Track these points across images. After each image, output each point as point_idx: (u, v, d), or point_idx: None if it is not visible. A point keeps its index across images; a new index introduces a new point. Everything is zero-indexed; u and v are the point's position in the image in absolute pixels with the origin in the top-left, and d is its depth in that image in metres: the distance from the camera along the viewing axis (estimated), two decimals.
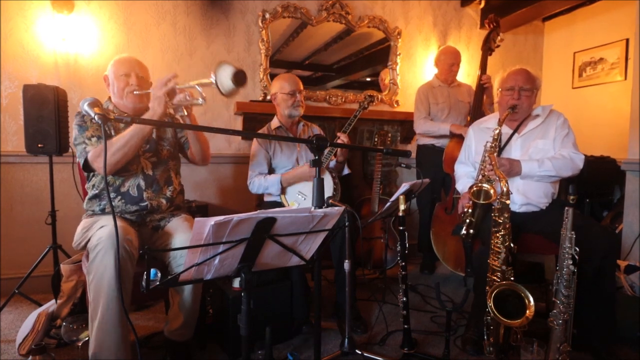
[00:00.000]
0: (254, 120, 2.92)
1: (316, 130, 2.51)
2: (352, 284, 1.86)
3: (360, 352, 1.79)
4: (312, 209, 1.10)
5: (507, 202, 1.61)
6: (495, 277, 1.64)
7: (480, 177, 1.97)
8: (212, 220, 0.93)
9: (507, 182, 1.63)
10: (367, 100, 2.46)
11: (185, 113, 1.66)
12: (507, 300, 1.53)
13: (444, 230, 2.79)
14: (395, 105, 3.49)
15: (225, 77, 1.29)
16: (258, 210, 1.08)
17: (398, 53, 3.44)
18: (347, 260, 1.80)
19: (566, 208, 1.49)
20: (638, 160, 2.45)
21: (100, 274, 1.42)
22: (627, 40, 3.31)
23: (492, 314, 1.54)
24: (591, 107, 3.59)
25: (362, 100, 2.47)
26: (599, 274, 1.72)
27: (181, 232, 1.70)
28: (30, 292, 2.31)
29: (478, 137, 2.17)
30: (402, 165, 2.20)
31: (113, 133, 1.72)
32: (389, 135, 3.18)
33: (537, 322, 1.59)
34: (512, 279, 1.61)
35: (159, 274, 1.48)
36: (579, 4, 3.43)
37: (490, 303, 1.54)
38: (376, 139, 2.94)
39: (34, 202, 2.59)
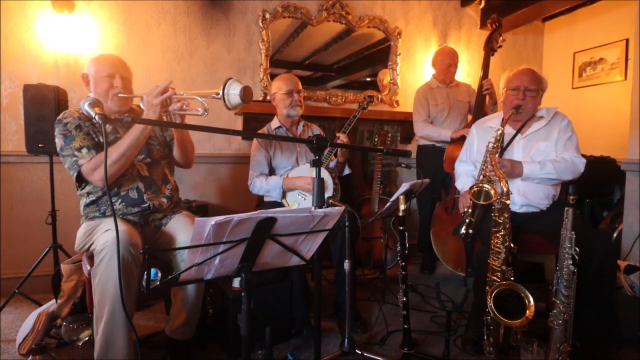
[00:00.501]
0: (254, 120, 2.93)
1: (316, 130, 2.51)
2: (352, 284, 1.86)
3: (360, 352, 1.79)
4: (312, 209, 1.10)
5: (507, 202, 1.61)
6: (495, 277, 1.64)
7: (481, 177, 1.97)
8: (213, 220, 0.93)
9: (507, 182, 1.62)
10: (367, 100, 2.46)
11: (179, 121, 1.64)
12: (507, 300, 1.53)
13: (444, 230, 2.79)
14: (396, 105, 3.49)
15: (233, 93, 1.31)
16: (258, 210, 1.08)
17: (398, 53, 3.45)
18: (347, 260, 1.80)
19: (566, 208, 1.49)
20: (638, 160, 2.45)
21: (106, 278, 1.43)
22: (627, 40, 3.31)
23: (492, 314, 1.54)
24: (591, 107, 3.59)
25: (361, 101, 2.47)
26: (599, 274, 1.71)
27: (185, 230, 1.70)
28: (31, 291, 2.31)
29: (481, 135, 2.17)
30: (402, 165, 2.20)
31: (101, 139, 1.66)
32: (389, 135, 3.18)
33: (537, 322, 1.58)
34: (512, 279, 1.61)
35: (159, 274, 1.49)
36: (579, 4, 3.43)
37: (490, 303, 1.54)
38: (376, 139, 2.94)
39: (34, 202, 2.59)
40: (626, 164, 2.53)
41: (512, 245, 1.62)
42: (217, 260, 1.04)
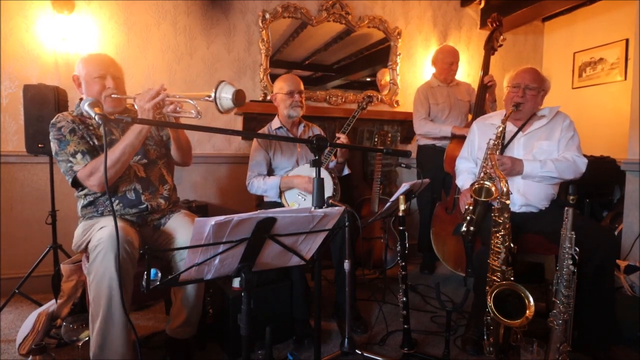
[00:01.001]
0: (254, 121, 2.93)
1: (317, 130, 2.51)
2: (352, 284, 1.86)
3: (360, 352, 1.79)
4: (312, 209, 1.10)
5: (507, 202, 1.61)
6: (495, 277, 1.64)
7: (482, 174, 1.97)
8: (213, 220, 0.93)
9: (507, 182, 1.62)
10: (366, 100, 2.46)
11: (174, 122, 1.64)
12: (507, 300, 1.53)
13: (444, 230, 2.79)
14: (395, 106, 3.49)
15: (225, 97, 1.29)
16: (258, 210, 1.08)
17: (398, 53, 3.45)
18: (347, 260, 1.80)
19: (566, 208, 1.49)
20: (638, 160, 2.45)
21: (100, 275, 1.42)
22: (627, 40, 3.31)
23: (492, 314, 1.54)
24: (591, 107, 3.59)
25: (360, 101, 2.47)
26: (599, 274, 1.72)
27: (184, 229, 1.70)
28: (31, 292, 2.31)
29: (482, 132, 2.17)
30: (402, 165, 2.20)
31: (96, 142, 1.65)
32: (389, 135, 3.18)
33: (537, 322, 1.59)
34: (512, 279, 1.61)
35: (159, 274, 1.49)
36: (579, 4, 3.43)
37: (490, 303, 1.54)
38: (376, 139, 2.94)
39: (34, 202, 2.59)
40: (626, 164, 2.53)
41: (512, 245, 1.62)
42: (217, 260, 1.04)
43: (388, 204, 2.01)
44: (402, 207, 1.81)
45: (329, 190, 2.17)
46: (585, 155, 1.99)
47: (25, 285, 2.24)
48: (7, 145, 2.54)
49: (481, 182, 1.78)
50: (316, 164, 1.36)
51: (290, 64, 3.21)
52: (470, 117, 3.04)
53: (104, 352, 1.43)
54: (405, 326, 1.84)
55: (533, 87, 1.96)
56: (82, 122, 1.65)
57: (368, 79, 3.48)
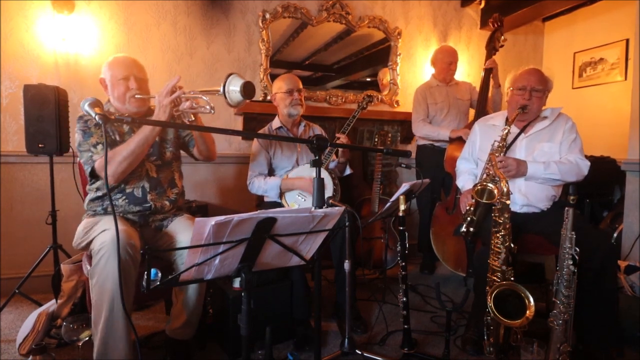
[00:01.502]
0: (254, 121, 2.93)
1: (317, 130, 2.51)
2: (352, 284, 1.86)
3: (360, 352, 1.79)
4: (313, 209, 1.10)
5: (507, 202, 1.61)
6: (495, 277, 1.63)
7: (484, 175, 1.97)
8: (213, 221, 0.93)
9: (507, 182, 1.62)
10: (366, 100, 2.46)
11: (193, 118, 1.67)
12: (507, 301, 1.52)
13: (444, 230, 2.79)
14: (396, 106, 3.49)
15: (234, 89, 1.29)
16: (258, 211, 1.08)
17: (398, 53, 3.45)
18: (347, 260, 1.80)
19: (566, 208, 1.49)
20: (638, 160, 2.45)
21: (103, 278, 1.43)
22: (627, 40, 3.31)
23: (492, 314, 1.54)
24: (591, 108, 3.59)
25: (360, 101, 2.47)
26: (600, 274, 1.71)
27: (186, 231, 1.71)
28: (31, 292, 2.31)
29: (483, 133, 2.17)
30: (402, 165, 2.20)
31: (117, 137, 1.72)
32: (389, 135, 3.18)
33: (537, 322, 1.58)
34: (512, 279, 1.61)
35: (159, 274, 1.49)
36: (579, 4, 3.43)
37: (491, 303, 1.54)
38: (376, 139, 2.94)
39: (35, 202, 2.59)
40: (626, 164, 2.53)
41: (512, 245, 1.62)
42: (217, 261, 1.04)
43: (388, 204, 2.01)
44: (402, 207, 1.81)
45: (329, 191, 2.17)
46: (585, 156, 1.99)
47: (26, 285, 2.24)
48: (7, 145, 2.54)
49: (484, 183, 1.78)
50: (316, 164, 1.36)
51: (291, 64, 3.21)
52: (472, 112, 3.03)
53: (107, 354, 1.44)
54: (406, 326, 1.84)
55: (539, 89, 1.94)
56: (107, 119, 1.68)
57: (368, 79, 3.48)
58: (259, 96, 3.06)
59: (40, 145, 2.16)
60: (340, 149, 2.28)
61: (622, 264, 2.20)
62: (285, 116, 2.34)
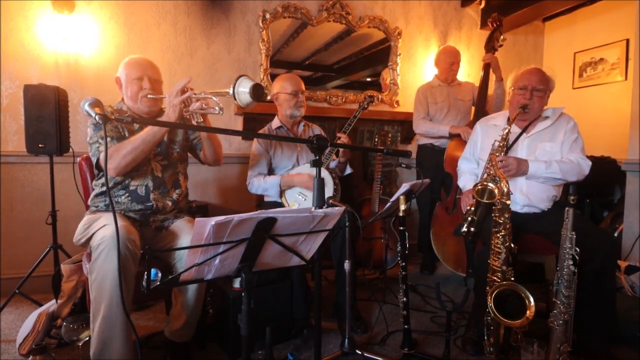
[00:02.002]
0: (254, 121, 2.93)
1: (317, 130, 2.51)
2: (352, 284, 1.86)
3: (360, 352, 1.79)
4: (313, 209, 1.10)
5: (508, 202, 1.61)
6: (495, 278, 1.63)
7: (485, 175, 1.97)
8: (213, 221, 0.93)
9: (507, 182, 1.62)
10: (367, 100, 2.46)
11: (201, 120, 1.69)
12: (507, 301, 1.52)
13: (444, 230, 2.79)
14: (396, 106, 3.49)
15: (243, 91, 1.30)
16: (258, 211, 1.08)
17: (398, 53, 3.45)
18: (347, 261, 1.80)
19: (566, 208, 1.49)
20: (638, 160, 2.45)
21: (103, 274, 1.43)
22: (628, 40, 3.31)
23: (492, 314, 1.54)
24: (591, 108, 3.59)
25: (362, 101, 2.47)
26: (600, 274, 1.71)
27: (187, 233, 1.71)
28: (31, 292, 2.31)
29: (485, 133, 2.16)
30: (402, 165, 2.20)
31: (127, 134, 1.74)
32: (389, 135, 3.18)
33: (538, 323, 1.58)
34: (512, 279, 1.61)
35: (160, 274, 1.49)
36: (579, 4, 3.43)
37: (491, 303, 1.54)
38: (376, 139, 2.94)
39: (35, 202, 2.59)
40: (626, 164, 2.53)
41: (512, 245, 1.62)
42: (217, 261, 1.04)
43: (388, 204, 2.01)
44: (402, 207, 1.81)
45: (329, 191, 2.17)
46: (586, 156, 1.99)
47: (26, 285, 2.24)
48: (7, 145, 2.54)
49: (484, 183, 1.78)
50: (316, 164, 1.36)
51: (291, 64, 3.21)
52: (473, 110, 3.03)
53: (104, 352, 1.43)
54: (406, 326, 1.83)
55: (540, 88, 1.94)
56: (119, 115, 1.70)
57: (368, 79, 3.48)
58: None
59: (40, 145, 2.16)
60: (340, 149, 2.28)
61: (623, 264, 2.20)
62: (286, 117, 2.34)
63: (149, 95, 1.75)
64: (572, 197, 1.47)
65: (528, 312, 1.45)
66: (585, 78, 3.68)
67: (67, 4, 2.53)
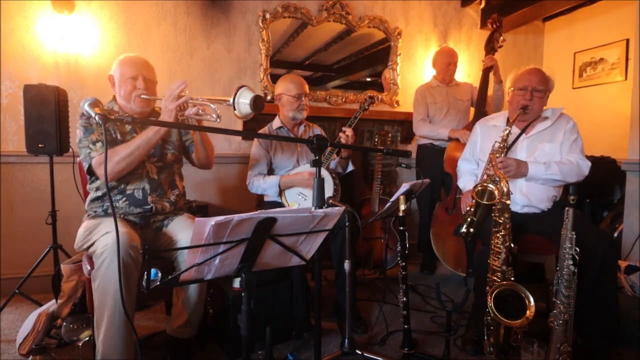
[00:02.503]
0: (254, 120, 2.90)
1: (317, 131, 2.51)
2: (352, 284, 1.86)
3: (360, 352, 1.79)
4: (313, 209, 1.10)
5: (507, 202, 1.61)
6: (495, 277, 1.63)
7: (485, 176, 1.97)
8: (213, 221, 0.93)
9: (507, 182, 1.62)
10: (368, 102, 2.45)
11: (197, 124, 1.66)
12: (507, 301, 1.52)
13: (444, 230, 2.79)
14: (396, 106, 3.49)
15: (244, 102, 1.30)
16: (258, 210, 1.08)
17: (398, 53, 3.45)
18: (347, 261, 1.80)
19: (566, 208, 1.49)
20: (638, 160, 2.45)
21: (105, 282, 1.43)
22: (628, 40, 3.31)
23: (492, 314, 1.54)
24: (591, 108, 3.59)
25: (362, 102, 2.47)
26: (600, 274, 1.71)
27: (186, 230, 1.71)
28: (31, 292, 2.31)
29: (484, 134, 2.16)
30: (402, 165, 2.20)
31: (119, 137, 1.71)
32: (389, 135, 3.18)
33: (538, 322, 1.58)
34: (512, 279, 1.61)
35: (159, 274, 1.49)
36: (579, 4, 3.43)
37: (491, 303, 1.53)
38: (376, 139, 2.94)
39: (35, 202, 2.59)
40: (626, 164, 2.53)
41: (512, 245, 1.62)
42: (217, 261, 1.04)
43: (388, 204, 2.01)
44: (402, 207, 1.81)
45: (329, 191, 2.17)
46: (585, 156, 1.99)
47: (26, 285, 2.24)
48: (7, 145, 2.54)
49: (484, 184, 1.78)
50: (316, 164, 1.36)
51: (291, 64, 3.21)
52: (472, 110, 3.03)
53: (109, 356, 1.44)
54: (406, 326, 1.84)
55: (540, 89, 1.94)
56: (107, 119, 1.68)
57: (368, 79, 3.48)
58: None
59: (40, 145, 2.16)
60: None
61: (622, 264, 2.20)
62: (288, 118, 2.34)
63: (142, 96, 1.71)
64: (572, 197, 1.47)
65: (528, 312, 1.45)
66: (585, 78, 3.68)
67: (67, 4, 2.53)
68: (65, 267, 1.88)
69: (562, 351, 1.52)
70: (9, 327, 2.10)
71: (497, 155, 1.87)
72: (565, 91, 3.80)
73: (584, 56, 3.70)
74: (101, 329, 1.44)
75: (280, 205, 2.26)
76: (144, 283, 0.98)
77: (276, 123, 2.39)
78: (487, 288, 1.64)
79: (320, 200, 1.35)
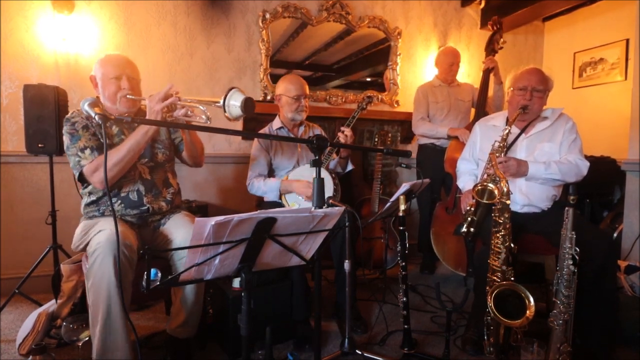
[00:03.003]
0: (254, 121, 2.92)
1: (318, 131, 2.51)
2: (352, 284, 1.86)
3: (360, 352, 1.79)
4: (313, 209, 1.10)
5: (507, 202, 1.61)
6: (495, 277, 1.63)
7: (485, 176, 1.97)
8: (213, 220, 0.93)
9: (507, 182, 1.62)
10: (366, 101, 2.44)
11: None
12: (507, 301, 1.52)
13: (444, 230, 2.79)
14: (396, 106, 3.49)
15: (234, 104, 1.28)
16: (258, 210, 1.08)
17: (398, 53, 3.45)
18: (347, 260, 1.80)
19: (566, 208, 1.49)
20: (638, 160, 2.45)
21: (99, 279, 1.43)
22: (627, 40, 3.31)
23: (492, 314, 1.54)
24: (591, 108, 3.59)
25: (360, 101, 2.46)
26: (600, 274, 1.71)
27: (182, 228, 1.70)
28: (31, 292, 2.31)
29: (484, 134, 2.16)
30: (402, 165, 2.20)
31: (107, 140, 1.67)
32: (389, 135, 3.18)
33: (538, 322, 1.58)
34: (512, 279, 1.61)
35: (159, 274, 1.49)
36: (579, 4, 3.43)
37: (491, 303, 1.54)
38: (376, 139, 2.94)
39: (34, 202, 2.59)
40: (626, 164, 2.53)
41: (512, 245, 1.62)
42: (217, 261, 1.04)
43: (388, 204, 2.01)
44: (402, 207, 1.81)
45: (329, 191, 2.17)
46: (585, 156, 1.99)
47: (25, 285, 2.24)
48: (7, 145, 2.54)
49: (484, 183, 1.78)
50: (316, 164, 1.36)
51: (291, 64, 3.21)
52: (473, 111, 3.04)
53: (106, 355, 1.44)
54: (406, 326, 1.84)
55: (540, 89, 1.94)
56: (107, 119, 1.66)
57: (368, 79, 3.48)
58: (259, 96, 3.06)
59: (40, 145, 2.16)
60: None
61: (622, 264, 2.20)
62: (288, 119, 2.33)
63: (128, 96, 1.66)
64: (572, 197, 1.47)
65: (528, 312, 1.45)
66: (585, 78, 3.68)
67: (67, 4, 2.53)
68: (65, 267, 1.87)
69: (562, 351, 1.52)
70: (9, 327, 2.10)
71: (497, 154, 1.87)
72: (565, 91, 3.80)
73: (583, 56, 3.70)
74: (96, 327, 1.43)
75: (280, 205, 2.26)
76: (144, 283, 0.98)
77: (276, 123, 2.38)
78: (487, 288, 1.64)
79: (320, 200, 1.35)
